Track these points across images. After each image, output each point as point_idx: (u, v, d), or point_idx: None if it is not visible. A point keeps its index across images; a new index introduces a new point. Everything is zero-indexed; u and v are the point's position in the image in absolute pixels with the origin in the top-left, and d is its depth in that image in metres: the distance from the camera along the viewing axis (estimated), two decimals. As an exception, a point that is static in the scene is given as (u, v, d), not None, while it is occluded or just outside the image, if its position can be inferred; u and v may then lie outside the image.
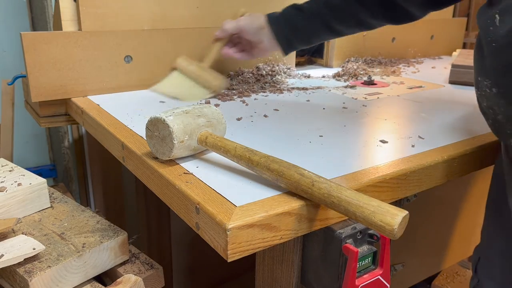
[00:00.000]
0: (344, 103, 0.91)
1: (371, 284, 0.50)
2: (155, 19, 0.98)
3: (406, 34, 1.51)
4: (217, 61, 1.00)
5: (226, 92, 0.97)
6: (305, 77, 1.20)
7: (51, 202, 0.75)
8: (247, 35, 0.92)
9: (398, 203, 0.67)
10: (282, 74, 1.17)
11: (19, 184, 0.70)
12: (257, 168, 0.51)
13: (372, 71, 1.28)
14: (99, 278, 0.66)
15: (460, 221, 0.93)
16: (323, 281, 0.53)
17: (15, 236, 0.62)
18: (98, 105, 0.86)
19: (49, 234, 0.65)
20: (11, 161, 0.95)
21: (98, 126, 0.77)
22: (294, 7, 0.90)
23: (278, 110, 0.85)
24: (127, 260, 0.68)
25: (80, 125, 1.21)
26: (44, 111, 0.92)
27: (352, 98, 0.96)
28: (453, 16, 1.72)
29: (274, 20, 0.91)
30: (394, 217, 0.40)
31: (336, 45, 1.33)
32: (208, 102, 0.89)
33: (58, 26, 0.91)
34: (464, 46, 1.81)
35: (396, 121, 0.79)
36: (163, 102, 0.89)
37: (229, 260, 0.44)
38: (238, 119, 0.78)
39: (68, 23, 0.90)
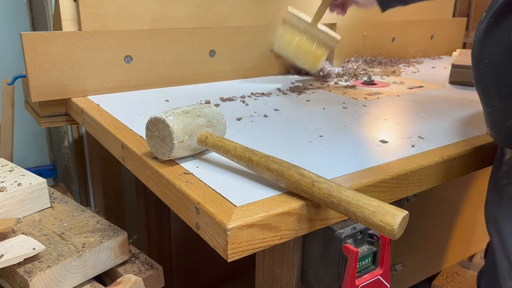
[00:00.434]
0: (344, 103, 0.91)
1: (371, 284, 0.50)
2: (155, 19, 0.98)
3: (406, 34, 1.51)
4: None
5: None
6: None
7: (51, 202, 0.75)
8: None
9: (398, 203, 0.67)
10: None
11: (19, 184, 0.70)
12: (257, 168, 0.51)
13: (372, 71, 1.28)
14: (99, 278, 0.66)
15: (460, 221, 0.93)
16: (323, 281, 0.53)
17: (15, 236, 0.62)
18: (98, 105, 0.86)
19: (49, 234, 0.65)
20: (11, 161, 0.95)
21: (98, 126, 0.76)
22: None
23: (278, 110, 0.85)
24: (127, 260, 0.68)
25: (80, 125, 1.21)
26: (44, 111, 0.92)
27: (352, 98, 0.96)
28: (453, 16, 1.72)
29: None
30: (394, 217, 0.40)
31: (336, 45, 1.33)
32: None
33: (58, 26, 0.91)
34: (464, 46, 1.81)
35: (396, 121, 0.79)
36: (167, 101, 0.89)
37: (229, 260, 0.44)
38: (238, 119, 0.78)
39: (68, 23, 0.90)
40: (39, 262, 0.58)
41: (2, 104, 1.17)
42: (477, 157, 0.67)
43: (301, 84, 1.09)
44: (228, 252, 0.43)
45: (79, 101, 0.89)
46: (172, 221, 1.20)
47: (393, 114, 0.84)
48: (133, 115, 0.79)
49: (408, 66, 1.40)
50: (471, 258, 1.30)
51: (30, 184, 0.70)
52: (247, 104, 0.89)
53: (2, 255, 0.57)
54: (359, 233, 0.50)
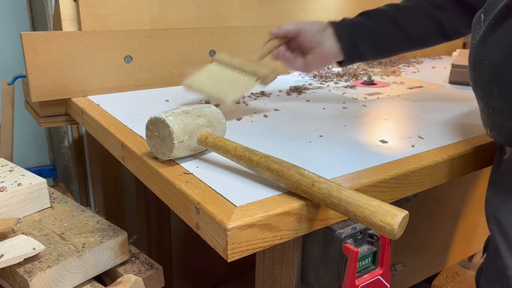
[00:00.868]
0: (344, 103, 0.91)
1: (371, 284, 0.50)
2: (155, 19, 0.98)
3: (406, 34, 1.51)
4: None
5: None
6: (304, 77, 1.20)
7: (51, 202, 0.75)
8: (306, 36, 0.81)
9: (398, 203, 0.67)
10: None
11: (19, 184, 0.70)
12: (257, 168, 0.51)
13: (372, 71, 1.28)
14: (99, 278, 0.66)
15: (460, 221, 0.93)
16: (323, 281, 0.53)
17: (15, 236, 0.62)
18: (98, 105, 0.86)
19: (49, 234, 0.65)
20: (11, 161, 0.95)
21: (98, 126, 0.76)
22: (361, 13, 0.84)
23: (278, 110, 0.85)
24: (127, 260, 0.68)
25: (80, 125, 1.21)
26: (44, 111, 0.92)
27: (352, 98, 0.96)
28: (453, 16, 1.72)
29: (338, 22, 0.83)
30: (394, 217, 0.40)
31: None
32: (208, 102, 0.87)
33: (58, 26, 0.91)
34: (464, 46, 1.81)
35: (396, 121, 0.79)
36: (167, 101, 0.89)
37: (229, 260, 0.44)
38: (238, 119, 0.78)
39: (68, 23, 0.90)
40: (39, 262, 0.58)
41: (2, 104, 1.17)
42: (477, 157, 0.67)
43: (301, 84, 1.09)
44: (228, 252, 0.43)
45: (79, 101, 0.89)
46: (172, 221, 1.20)
47: (393, 114, 0.84)
48: (133, 115, 0.79)
49: (408, 66, 1.40)
50: (471, 258, 1.30)
51: (30, 184, 0.70)
52: (247, 104, 0.89)
53: (2, 255, 0.57)
54: (359, 233, 0.50)
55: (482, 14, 0.58)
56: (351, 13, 1.14)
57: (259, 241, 0.45)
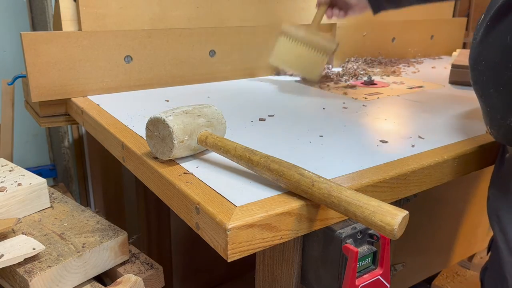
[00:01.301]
0: (344, 103, 0.91)
1: (371, 284, 0.50)
2: (155, 19, 0.98)
3: (406, 34, 1.51)
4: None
5: None
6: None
7: (51, 202, 0.75)
8: None
9: (398, 203, 0.67)
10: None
11: (19, 184, 0.70)
12: (257, 168, 0.51)
13: (372, 71, 1.28)
14: (99, 278, 0.66)
15: (460, 221, 0.93)
16: (323, 281, 0.53)
17: (15, 236, 0.62)
18: (98, 105, 0.86)
19: (49, 234, 0.65)
20: (11, 161, 0.95)
21: (98, 126, 0.76)
22: None
23: (278, 110, 0.85)
24: (127, 260, 0.68)
25: (80, 125, 1.21)
26: (44, 111, 0.92)
27: (352, 98, 0.96)
28: (453, 16, 1.72)
29: None
30: (394, 217, 0.40)
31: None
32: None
33: (58, 26, 0.91)
34: (464, 46, 1.81)
35: (396, 121, 0.79)
36: (167, 101, 0.89)
37: (229, 260, 0.44)
38: (238, 119, 0.78)
39: (68, 23, 0.90)
40: (39, 262, 0.58)
41: (2, 104, 1.17)
42: (477, 157, 0.67)
43: (301, 84, 1.09)
44: (228, 252, 0.43)
45: (79, 101, 0.89)
46: (172, 221, 1.20)
47: (393, 114, 0.84)
48: (133, 115, 0.79)
49: (408, 66, 1.40)
50: (471, 258, 1.30)
51: (30, 184, 0.70)
52: (247, 105, 0.89)
53: (2, 255, 0.57)
54: (359, 233, 0.50)
55: (483, 15, 0.58)
56: (351, 13, 1.14)
57: (259, 241, 0.45)
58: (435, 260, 0.93)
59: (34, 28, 1.46)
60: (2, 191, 0.68)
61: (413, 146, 0.66)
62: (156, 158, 0.59)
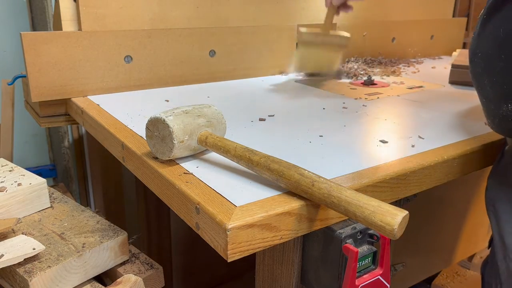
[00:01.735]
0: (344, 103, 0.91)
1: (371, 284, 0.50)
2: (155, 19, 0.98)
3: (406, 34, 1.51)
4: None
5: None
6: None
7: (51, 202, 0.75)
8: None
9: (398, 203, 0.67)
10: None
11: (19, 184, 0.70)
12: (257, 168, 0.51)
13: (372, 71, 1.28)
14: (99, 278, 0.66)
15: (460, 221, 0.93)
16: (323, 281, 0.53)
17: (15, 236, 0.62)
18: (98, 105, 0.86)
19: (49, 234, 0.65)
20: (11, 161, 0.95)
21: (98, 126, 0.76)
22: None
23: (278, 110, 0.85)
24: (127, 260, 0.68)
25: (80, 125, 1.21)
26: (44, 111, 0.92)
27: (352, 98, 0.96)
28: (453, 16, 1.72)
29: None
30: (394, 217, 0.40)
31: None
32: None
33: (58, 26, 0.91)
34: (464, 46, 1.81)
35: (396, 121, 0.79)
36: (167, 101, 0.89)
37: (229, 260, 0.44)
38: (238, 119, 0.78)
39: (68, 23, 0.90)
40: (39, 262, 0.58)
41: (2, 104, 1.17)
42: (477, 157, 0.67)
43: (301, 84, 1.09)
44: (228, 252, 0.43)
45: (79, 101, 0.89)
46: (172, 221, 1.20)
47: (393, 114, 0.84)
48: (133, 115, 0.79)
49: (408, 66, 1.40)
50: (471, 258, 1.30)
51: (30, 184, 0.70)
52: (247, 104, 0.89)
53: (2, 255, 0.57)
54: (359, 233, 0.50)
55: (484, 9, 0.60)
56: (352, 13, 1.14)
57: (259, 241, 0.45)
58: (435, 260, 0.93)
59: (34, 28, 1.46)
60: (2, 191, 0.68)
61: (413, 146, 0.66)
62: (156, 158, 0.59)
